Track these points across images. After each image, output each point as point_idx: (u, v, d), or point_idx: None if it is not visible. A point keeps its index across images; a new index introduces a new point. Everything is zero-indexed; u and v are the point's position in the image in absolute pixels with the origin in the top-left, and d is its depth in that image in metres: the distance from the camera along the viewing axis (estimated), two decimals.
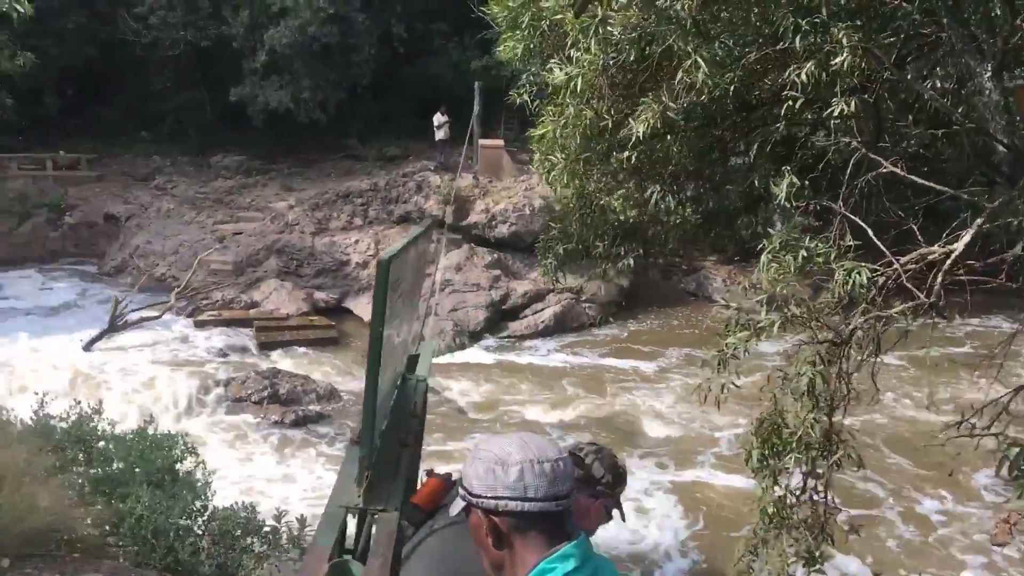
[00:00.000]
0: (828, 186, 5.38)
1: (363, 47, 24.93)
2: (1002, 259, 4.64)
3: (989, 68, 4.35)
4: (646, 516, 10.70)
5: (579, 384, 15.47)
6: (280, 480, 11.47)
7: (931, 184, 4.72)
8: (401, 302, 2.87)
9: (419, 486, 2.67)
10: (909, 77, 5.17)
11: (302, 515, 5.46)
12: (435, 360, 15.79)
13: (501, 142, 22.65)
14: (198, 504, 5.24)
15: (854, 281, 4.30)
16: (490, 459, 1.68)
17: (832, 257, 4.44)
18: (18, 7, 10.25)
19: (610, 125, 5.51)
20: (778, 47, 4.78)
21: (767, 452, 4.78)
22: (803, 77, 4.51)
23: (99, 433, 5.78)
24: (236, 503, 5.52)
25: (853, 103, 4.48)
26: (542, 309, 18.80)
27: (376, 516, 2.40)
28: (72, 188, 24.62)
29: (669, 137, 5.81)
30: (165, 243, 21.65)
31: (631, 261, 7.18)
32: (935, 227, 5.05)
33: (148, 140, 28.30)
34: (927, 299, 4.43)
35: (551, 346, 17.82)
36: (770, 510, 4.86)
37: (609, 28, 4.99)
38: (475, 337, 17.86)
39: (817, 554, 4.88)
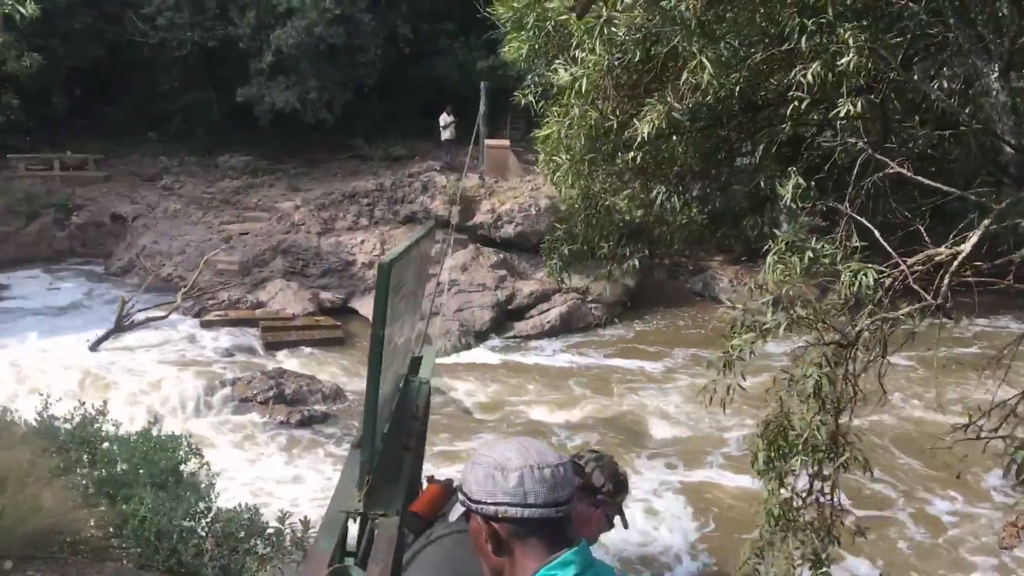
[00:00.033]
0: (834, 187, 5.35)
1: (369, 47, 24.94)
2: (1010, 260, 4.61)
3: (996, 68, 4.32)
4: (656, 518, 10.66)
5: (585, 384, 15.45)
6: (290, 481, 11.46)
7: (938, 185, 4.69)
8: (403, 304, 2.86)
9: (421, 490, 2.66)
10: (916, 77, 5.14)
11: (306, 517, 5.46)
12: (441, 360, 15.81)
13: (507, 142, 22.63)
14: (201, 506, 5.24)
15: (860, 282, 4.27)
16: (490, 464, 1.66)
17: (838, 258, 4.42)
18: (21, 9, 10.27)
19: (615, 126, 5.49)
20: (784, 47, 4.76)
21: (773, 454, 4.76)
22: (809, 77, 4.49)
23: (103, 434, 5.78)
24: (240, 504, 5.51)
25: (859, 104, 4.45)
26: (548, 309, 18.77)
27: (377, 521, 2.38)
28: (79, 188, 24.67)
29: (674, 138, 5.79)
30: (172, 243, 21.68)
31: (636, 262, 7.15)
32: (943, 227, 5.01)
33: (155, 140, 28.36)
34: (934, 301, 4.40)
35: (557, 346, 17.80)
36: (776, 512, 4.83)
37: (614, 29, 4.96)
38: (481, 337, 17.85)
39: (823, 556, 4.86)
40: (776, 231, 5.09)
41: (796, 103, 4.73)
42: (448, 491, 2.44)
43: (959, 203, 5.15)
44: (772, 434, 4.74)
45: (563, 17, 5.47)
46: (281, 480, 11.47)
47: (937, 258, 4.54)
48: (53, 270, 21.90)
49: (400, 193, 21.72)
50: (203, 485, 5.49)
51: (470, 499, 1.67)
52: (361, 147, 26.92)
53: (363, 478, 2.43)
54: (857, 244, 4.50)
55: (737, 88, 5.03)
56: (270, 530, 5.30)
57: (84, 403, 6.17)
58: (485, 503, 1.65)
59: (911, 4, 4.61)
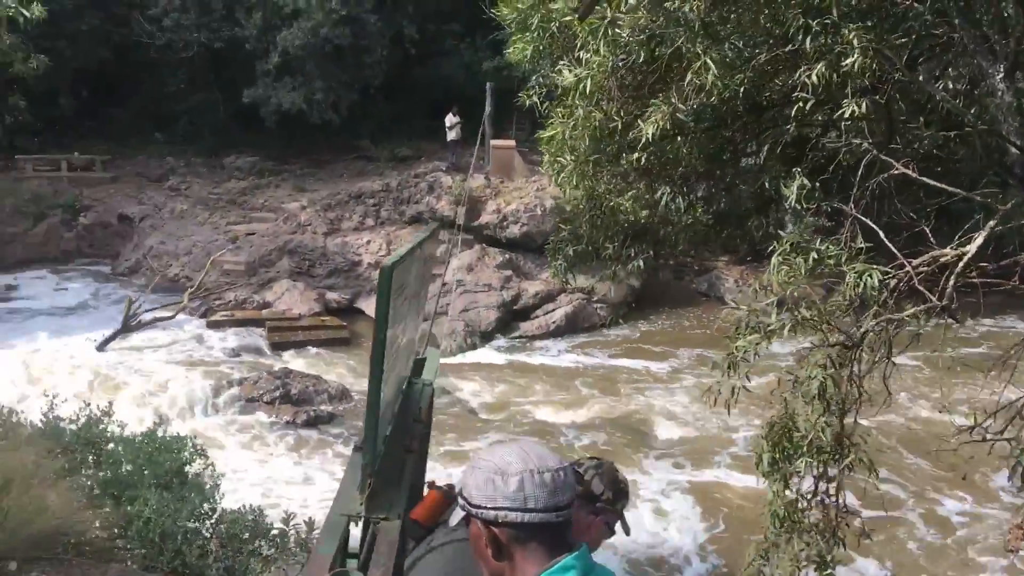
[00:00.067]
0: (839, 188, 5.34)
1: (375, 48, 24.96)
2: (1015, 261, 4.59)
3: (1002, 69, 4.31)
4: (665, 519, 10.64)
5: (592, 384, 15.44)
6: (299, 482, 11.44)
7: (943, 186, 4.68)
8: (406, 307, 2.86)
9: (424, 493, 2.66)
10: (921, 78, 5.13)
11: (310, 518, 5.46)
12: (447, 360, 15.82)
13: (513, 143, 22.63)
14: (206, 507, 5.25)
15: (865, 283, 4.26)
16: (489, 469, 1.66)
17: (843, 259, 4.40)
18: (24, 12, 10.30)
19: (619, 127, 5.48)
20: (788, 48, 4.74)
21: (778, 456, 4.75)
22: (814, 78, 4.47)
23: (108, 435, 5.80)
24: (244, 505, 5.52)
25: (864, 104, 4.43)
26: (553, 309, 18.78)
27: (378, 524, 2.38)
28: (87, 189, 24.75)
29: (679, 139, 5.77)
30: (178, 244, 21.74)
31: (641, 262, 7.14)
32: (948, 227, 5.00)
33: (162, 141, 28.43)
34: (939, 302, 4.38)
35: (562, 346, 17.79)
36: (781, 514, 4.82)
37: (618, 30, 4.96)
38: (486, 337, 17.85)
39: (828, 558, 4.84)
40: (781, 232, 5.06)
41: (801, 104, 4.71)
42: (449, 498, 2.43)
43: (965, 204, 5.13)
44: (777, 436, 4.73)
45: (567, 18, 5.46)
46: (290, 481, 11.46)
47: (942, 259, 4.52)
48: (60, 270, 21.98)
49: (406, 193, 21.75)
50: (208, 486, 5.50)
51: (470, 504, 1.67)
52: (367, 148, 26.94)
53: (365, 481, 2.43)
54: (862, 245, 4.48)
55: (741, 89, 5.02)
56: (274, 531, 5.31)
57: (89, 404, 6.18)
58: (485, 508, 1.64)
59: (916, 4, 4.59)
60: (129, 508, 4.91)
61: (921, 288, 4.43)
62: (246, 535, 5.17)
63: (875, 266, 4.30)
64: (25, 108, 21.99)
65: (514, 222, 20.22)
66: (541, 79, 6.36)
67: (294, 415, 13.45)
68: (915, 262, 4.46)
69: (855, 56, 4.27)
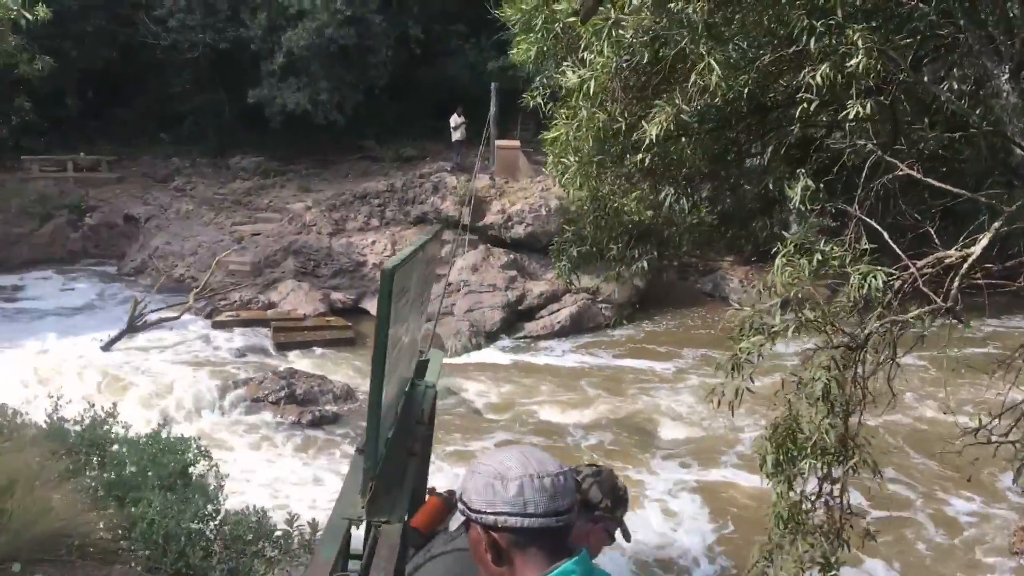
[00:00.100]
0: (844, 188, 5.33)
1: (380, 49, 24.97)
2: (1021, 262, 4.58)
3: (1007, 70, 4.29)
4: (673, 519, 10.60)
5: (597, 384, 15.42)
6: (310, 483, 11.41)
7: (948, 187, 4.66)
8: (408, 309, 2.85)
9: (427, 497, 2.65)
10: (925, 79, 5.11)
11: (314, 519, 5.46)
12: (452, 360, 15.82)
13: (517, 143, 22.61)
14: (210, 508, 5.24)
15: (870, 285, 4.25)
16: (489, 473, 1.65)
17: (847, 260, 4.39)
18: (27, 15, 10.34)
19: (623, 128, 5.48)
20: (792, 49, 4.73)
21: (782, 457, 4.73)
22: (818, 79, 4.46)
23: (113, 436, 5.80)
24: (248, 507, 5.52)
25: (869, 105, 4.42)
26: (558, 310, 18.76)
27: (380, 528, 2.38)
28: (92, 189, 24.80)
29: (683, 140, 5.77)
30: (184, 244, 21.77)
31: (645, 263, 7.14)
32: (954, 227, 4.99)
33: (167, 142, 28.48)
34: (944, 303, 4.37)
35: (567, 347, 17.78)
36: (785, 515, 4.81)
37: (621, 31, 4.95)
38: (491, 337, 17.84)
39: (833, 560, 4.83)
40: (785, 233, 5.05)
41: (805, 105, 4.70)
42: (449, 505, 2.42)
43: (970, 205, 5.12)
44: (781, 437, 4.72)
45: (571, 19, 5.46)
46: (298, 482, 11.42)
47: (947, 260, 4.51)
48: (66, 271, 22.02)
49: (411, 194, 21.75)
50: (212, 487, 5.50)
51: (469, 508, 1.67)
52: (372, 148, 26.97)
53: (366, 484, 2.43)
54: (866, 246, 4.47)
55: (746, 90, 5.01)
56: (278, 533, 5.31)
57: (94, 405, 6.19)
58: (485, 512, 1.64)
59: (921, 5, 4.58)
60: (133, 510, 4.92)
61: (925, 290, 4.42)
62: (250, 536, 5.17)
63: (879, 267, 4.29)
64: (31, 109, 22.09)
65: (519, 222, 20.22)
66: (545, 80, 6.36)
67: (299, 415, 13.46)
68: (920, 263, 4.45)
69: (859, 57, 4.26)
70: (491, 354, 17.24)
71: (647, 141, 5.10)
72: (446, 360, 15.11)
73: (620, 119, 5.46)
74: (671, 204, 6.34)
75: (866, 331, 4.53)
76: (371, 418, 2.40)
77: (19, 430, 5.80)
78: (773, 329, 4.56)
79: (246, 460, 11.88)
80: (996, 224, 4.40)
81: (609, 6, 4.94)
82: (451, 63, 26.54)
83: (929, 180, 4.67)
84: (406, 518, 2.48)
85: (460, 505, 1.70)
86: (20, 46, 12.20)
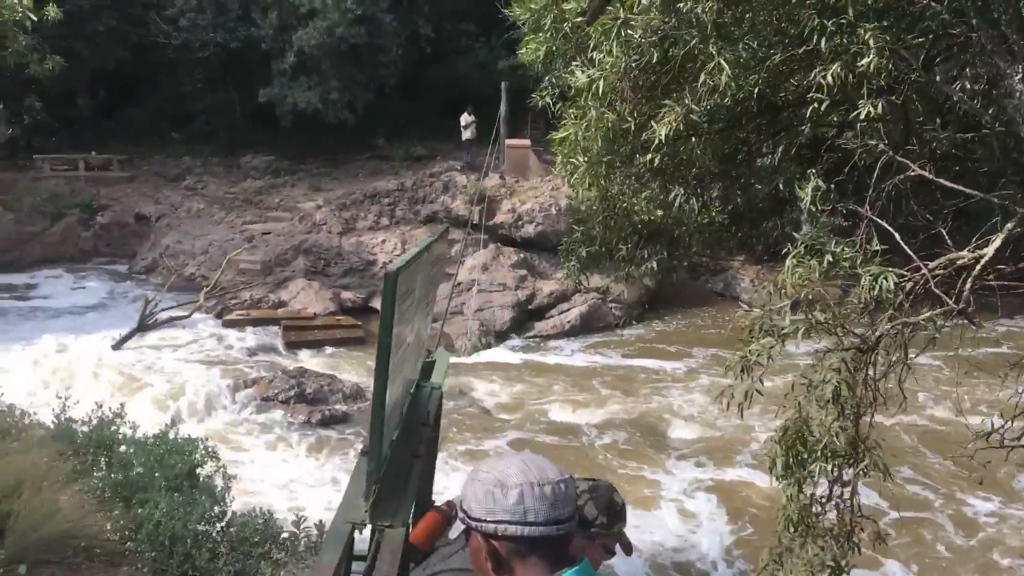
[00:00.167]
0: (855, 189, 5.28)
1: (391, 48, 24.99)
2: None
3: (1020, 69, 4.24)
4: (691, 520, 10.50)
5: (608, 384, 15.38)
6: (328, 483, 11.31)
7: (960, 187, 4.61)
8: (412, 310, 2.83)
9: (432, 501, 2.63)
10: (938, 78, 5.06)
11: (321, 521, 5.44)
12: (462, 360, 15.81)
13: (527, 142, 22.59)
14: (216, 509, 5.24)
15: (881, 286, 4.20)
16: (489, 481, 1.64)
17: (858, 261, 4.34)
18: (31, 16, 10.37)
19: (633, 128, 5.43)
20: (803, 49, 4.68)
21: (792, 460, 4.70)
22: (829, 79, 4.41)
23: (120, 437, 5.80)
24: (254, 509, 5.51)
25: (880, 105, 4.37)
26: (568, 309, 18.74)
27: (383, 532, 2.36)
28: (104, 188, 24.93)
29: (693, 139, 5.72)
30: (195, 243, 21.85)
31: (655, 264, 7.10)
32: (966, 228, 4.93)
33: (178, 141, 28.61)
34: (956, 305, 4.32)
35: (576, 346, 17.75)
36: (795, 518, 4.78)
37: (630, 31, 4.91)
38: (501, 337, 17.84)
39: (843, 563, 4.79)
40: (796, 233, 5.01)
41: (816, 104, 4.65)
42: (448, 518, 2.39)
43: (982, 205, 5.06)
44: (791, 439, 4.68)
45: (580, 19, 5.43)
46: (315, 483, 11.36)
47: (959, 262, 4.46)
48: (77, 270, 22.15)
49: (421, 193, 21.77)
50: (219, 488, 5.49)
51: (470, 516, 1.65)
52: (382, 147, 27.00)
53: (370, 488, 2.40)
54: (877, 247, 4.42)
55: (756, 89, 4.96)
56: (285, 535, 5.30)
57: (102, 405, 6.19)
58: (485, 521, 1.62)
59: (933, 4, 4.53)
60: (140, 511, 4.92)
61: (937, 291, 4.37)
62: (256, 538, 5.16)
63: (891, 268, 4.24)
64: (42, 108, 22.18)
65: (529, 221, 20.19)
66: (554, 80, 6.33)
67: (309, 414, 13.46)
68: (931, 264, 4.40)
69: (871, 56, 4.21)
70: (501, 353, 17.22)
71: (656, 141, 5.05)
72: (456, 359, 15.11)
73: (629, 119, 5.42)
74: (681, 204, 6.29)
75: (877, 333, 4.48)
76: (375, 420, 2.38)
77: (27, 431, 5.81)
78: (783, 331, 4.51)
79: (262, 460, 11.87)
80: (1009, 225, 4.35)
81: (618, 6, 4.91)
82: (461, 62, 26.54)
83: (941, 180, 4.62)
84: (410, 521, 2.46)
85: (460, 513, 1.68)
86: (31, 46, 12.22)
